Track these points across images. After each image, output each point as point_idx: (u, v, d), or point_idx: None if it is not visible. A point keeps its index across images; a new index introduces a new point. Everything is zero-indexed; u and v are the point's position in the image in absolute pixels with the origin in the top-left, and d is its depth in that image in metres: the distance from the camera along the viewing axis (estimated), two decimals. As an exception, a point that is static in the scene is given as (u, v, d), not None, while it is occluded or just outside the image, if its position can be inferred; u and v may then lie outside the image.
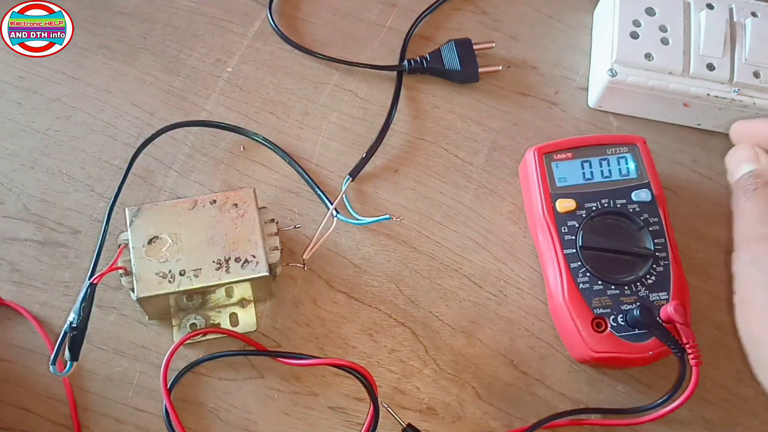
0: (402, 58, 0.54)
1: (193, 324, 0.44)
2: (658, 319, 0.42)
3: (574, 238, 0.45)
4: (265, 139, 0.51)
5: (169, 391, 0.41)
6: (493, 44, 0.55)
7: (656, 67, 0.51)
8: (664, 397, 0.42)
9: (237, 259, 0.41)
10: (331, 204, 0.48)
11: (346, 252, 0.48)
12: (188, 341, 0.43)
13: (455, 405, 0.44)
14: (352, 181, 0.49)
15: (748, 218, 0.37)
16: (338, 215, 0.47)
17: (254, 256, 0.42)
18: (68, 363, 0.39)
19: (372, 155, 0.50)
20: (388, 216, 0.47)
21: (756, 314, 0.36)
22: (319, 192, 0.49)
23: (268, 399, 0.44)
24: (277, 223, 0.44)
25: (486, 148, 0.52)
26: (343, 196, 0.48)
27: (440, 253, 0.49)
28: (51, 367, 0.39)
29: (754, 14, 0.52)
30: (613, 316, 0.43)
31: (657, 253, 0.44)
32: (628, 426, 0.44)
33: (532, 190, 0.47)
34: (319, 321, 0.46)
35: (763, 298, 0.35)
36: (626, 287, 0.44)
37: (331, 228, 0.46)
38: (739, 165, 0.40)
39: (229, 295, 0.44)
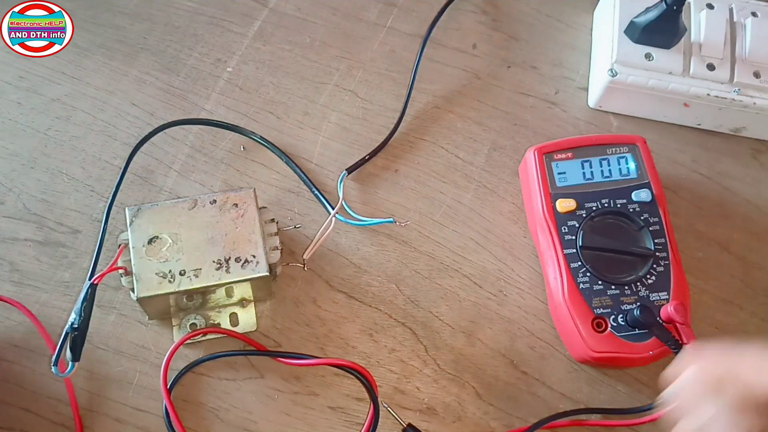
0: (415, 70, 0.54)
1: (193, 324, 0.44)
2: (658, 319, 0.42)
3: (574, 237, 0.45)
4: (264, 139, 0.50)
5: (169, 391, 0.41)
6: None
7: (656, 67, 0.51)
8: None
9: (237, 259, 0.41)
10: (330, 204, 0.48)
11: (346, 252, 0.48)
12: (188, 341, 0.43)
13: (455, 405, 0.44)
14: (348, 175, 0.49)
15: None
16: (339, 216, 0.47)
17: (254, 256, 0.41)
18: (70, 363, 0.39)
19: (373, 156, 0.51)
20: (391, 219, 0.47)
21: None
22: (317, 192, 0.49)
23: (268, 399, 0.44)
24: (277, 223, 0.44)
25: (486, 148, 0.52)
26: (341, 196, 0.48)
27: (440, 253, 0.49)
28: (53, 367, 0.39)
29: (754, 14, 0.52)
30: (613, 316, 0.43)
31: (657, 253, 0.44)
32: (629, 426, 0.44)
33: (532, 189, 0.47)
34: (319, 321, 0.46)
35: None
36: (626, 287, 0.44)
37: (330, 227, 0.46)
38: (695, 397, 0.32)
39: (229, 295, 0.44)
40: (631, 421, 0.43)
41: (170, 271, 0.41)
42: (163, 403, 0.41)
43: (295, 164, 0.50)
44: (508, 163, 0.52)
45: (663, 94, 0.51)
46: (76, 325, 0.39)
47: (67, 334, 0.39)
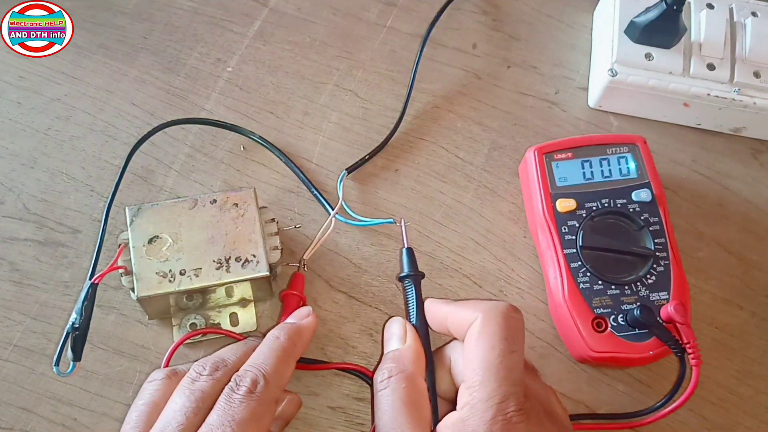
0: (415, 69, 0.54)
1: (193, 324, 0.44)
2: (658, 318, 0.42)
3: (574, 237, 0.45)
4: (263, 139, 0.50)
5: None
6: None
7: (656, 67, 0.51)
8: (665, 398, 0.42)
9: (237, 259, 0.41)
10: (330, 205, 0.48)
11: (346, 252, 0.48)
12: (188, 341, 0.43)
13: (455, 405, 0.44)
14: (348, 175, 0.49)
15: (382, 414, 0.35)
16: (339, 216, 0.47)
17: (254, 256, 0.41)
18: (71, 363, 0.39)
19: (373, 156, 0.51)
20: (391, 220, 0.47)
21: None
22: (316, 192, 0.49)
23: (268, 399, 0.44)
24: (277, 222, 0.44)
25: (486, 147, 0.52)
26: (341, 196, 0.48)
27: (440, 252, 0.49)
28: (54, 367, 0.39)
29: (754, 14, 0.52)
30: (613, 316, 0.43)
31: (657, 253, 0.44)
32: (630, 428, 0.44)
33: (532, 189, 0.47)
34: (320, 321, 0.46)
35: None
36: (626, 287, 0.44)
37: (330, 227, 0.46)
38: (388, 340, 0.39)
39: (229, 294, 0.44)
40: (632, 424, 0.43)
41: (170, 270, 0.41)
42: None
43: (295, 164, 0.50)
44: (508, 163, 0.52)
45: (663, 94, 0.51)
46: (77, 325, 0.39)
47: (68, 334, 0.39)
